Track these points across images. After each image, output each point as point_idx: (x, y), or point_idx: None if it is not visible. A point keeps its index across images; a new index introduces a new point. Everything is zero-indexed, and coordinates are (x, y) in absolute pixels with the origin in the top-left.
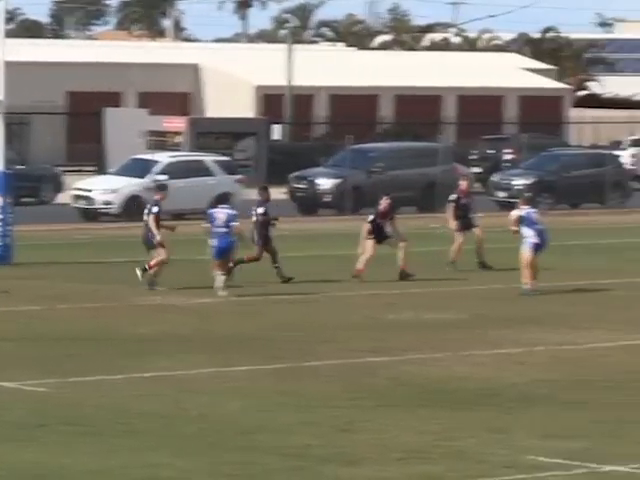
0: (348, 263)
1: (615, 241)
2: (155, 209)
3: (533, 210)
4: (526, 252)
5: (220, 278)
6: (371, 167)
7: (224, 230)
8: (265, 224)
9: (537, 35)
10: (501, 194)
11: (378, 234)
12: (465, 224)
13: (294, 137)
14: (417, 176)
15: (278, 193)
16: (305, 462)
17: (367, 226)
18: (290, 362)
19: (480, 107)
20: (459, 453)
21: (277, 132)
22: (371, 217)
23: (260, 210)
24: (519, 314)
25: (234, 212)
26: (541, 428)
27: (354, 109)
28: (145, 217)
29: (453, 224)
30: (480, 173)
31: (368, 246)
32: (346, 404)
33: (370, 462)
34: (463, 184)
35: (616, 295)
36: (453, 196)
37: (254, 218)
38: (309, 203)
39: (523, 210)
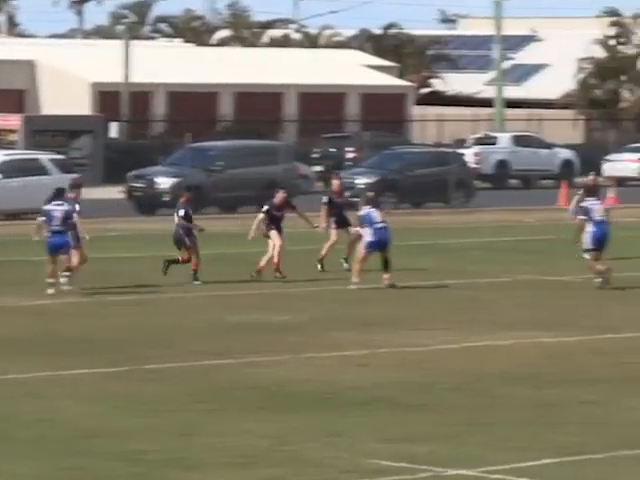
0: (186, 264)
1: (458, 241)
2: (182, 211)
3: (373, 209)
4: (360, 250)
5: (64, 276)
6: (211, 166)
7: (61, 228)
8: (188, 227)
9: (379, 31)
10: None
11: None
12: (340, 223)
13: (132, 135)
14: (257, 175)
15: (115, 192)
16: (144, 467)
17: (261, 216)
18: (131, 365)
19: (322, 105)
20: (299, 457)
21: (114, 130)
22: (266, 207)
23: (181, 212)
24: (363, 315)
25: (70, 208)
26: (383, 431)
27: (193, 107)
28: (175, 217)
29: (325, 224)
30: (322, 172)
31: (274, 237)
32: (186, 408)
33: (210, 467)
34: (335, 184)
35: (459, 295)
36: (325, 198)
37: (176, 220)
38: (147, 203)
39: (364, 210)
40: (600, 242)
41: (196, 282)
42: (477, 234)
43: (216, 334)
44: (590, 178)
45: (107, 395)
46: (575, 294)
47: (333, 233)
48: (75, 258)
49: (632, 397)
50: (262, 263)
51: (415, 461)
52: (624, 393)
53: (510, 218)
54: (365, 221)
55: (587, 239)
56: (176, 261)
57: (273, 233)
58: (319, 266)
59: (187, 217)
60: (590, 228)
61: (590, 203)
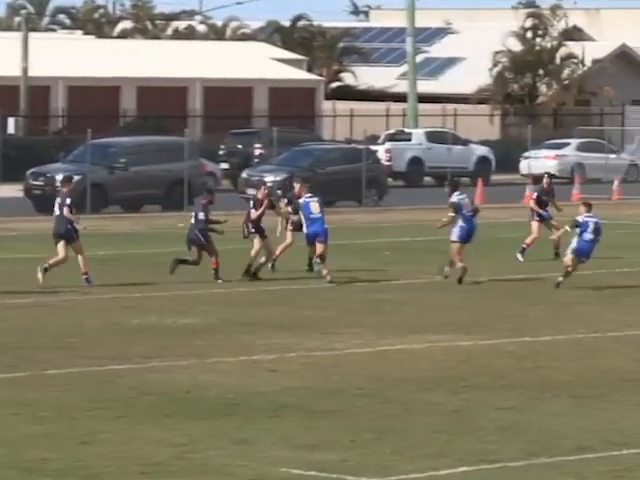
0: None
1: (371, 241)
2: (201, 215)
3: (312, 199)
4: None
5: None
6: (113, 163)
7: None
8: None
9: (287, 23)
10: (252, 191)
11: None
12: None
13: (30, 131)
14: (162, 172)
15: (13, 190)
16: (43, 477)
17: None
18: (27, 371)
19: (228, 99)
20: (204, 466)
21: (12, 126)
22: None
23: (201, 215)
24: (270, 319)
25: None
26: (292, 439)
27: (95, 101)
28: (194, 219)
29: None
30: (228, 169)
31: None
32: (85, 415)
33: (111, 476)
34: (297, 187)
35: (372, 298)
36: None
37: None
38: (47, 201)
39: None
40: (469, 236)
41: (219, 281)
42: (390, 234)
43: (119, 338)
44: (545, 181)
45: (5, 402)
46: (491, 296)
47: (289, 235)
48: None
49: (550, 402)
50: (277, 252)
51: (326, 470)
52: (542, 398)
53: (424, 217)
54: (302, 210)
55: (456, 232)
56: (185, 261)
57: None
58: (270, 265)
59: (208, 219)
60: (460, 222)
61: (459, 199)
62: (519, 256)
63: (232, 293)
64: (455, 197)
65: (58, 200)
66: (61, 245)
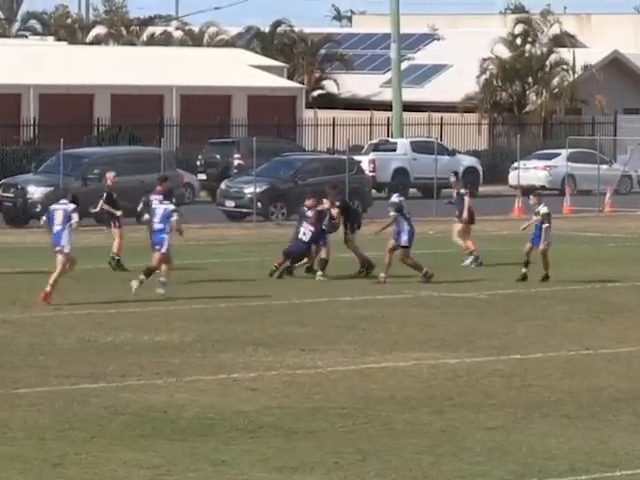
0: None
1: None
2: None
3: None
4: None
5: None
6: (86, 174)
7: None
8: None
9: (266, 29)
10: (231, 203)
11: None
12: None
13: (1, 141)
14: (137, 184)
15: None
16: None
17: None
18: None
19: (205, 108)
20: None
21: None
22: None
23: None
24: (249, 335)
25: None
26: (272, 460)
27: (67, 110)
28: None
29: None
30: (206, 180)
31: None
32: (57, 436)
33: None
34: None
35: (354, 314)
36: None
37: None
38: (18, 213)
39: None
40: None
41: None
42: (374, 247)
43: (91, 355)
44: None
45: None
46: (478, 312)
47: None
48: None
49: (540, 422)
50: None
51: None
52: (531, 418)
53: None
54: None
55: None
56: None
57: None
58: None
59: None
60: (405, 226)
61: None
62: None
63: (209, 309)
64: (395, 197)
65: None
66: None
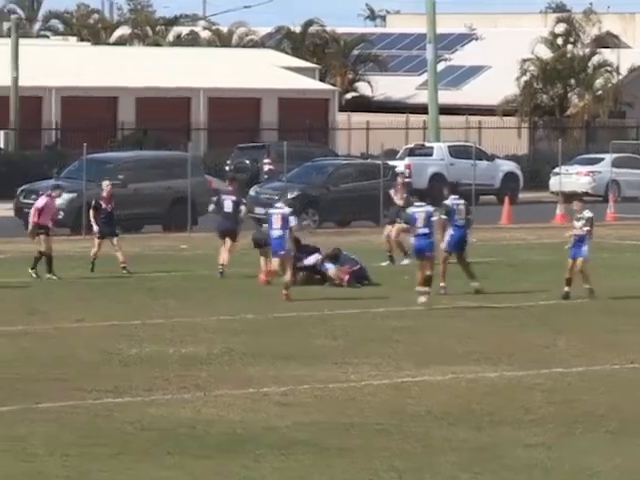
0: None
1: (389, 263)
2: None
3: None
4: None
5: None
6: (110, 180)
7: None
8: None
9: (298, 29)
10: (261, 210)
11: None
12: None
13: (21, 145)
14: (163, 190)
15: (3, 209)
16: None
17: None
18: (16, 404)
19: (234, 111)
20: None
21: (1, 140)
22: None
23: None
24: (279, 348)
25: None
26: (304, 478)
27: (90, 113)
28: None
29: None
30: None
31: None
32: (80, 452)
33: None
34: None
35: (389, 325)
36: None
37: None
38: None
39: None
40: (457, 246)
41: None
42: (409, 255)
43: (115, 369)
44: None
45: None
46: (518, 323)
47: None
48: None
49: (582, 438)
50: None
51: None
52: (573, 434)
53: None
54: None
55: (446, 240)
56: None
57: None
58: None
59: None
60: (450, 230)
61: (453, 203)
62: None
63: (238, 320)
64: (450, 200)
65: (232, 198)
66: (227, 241)
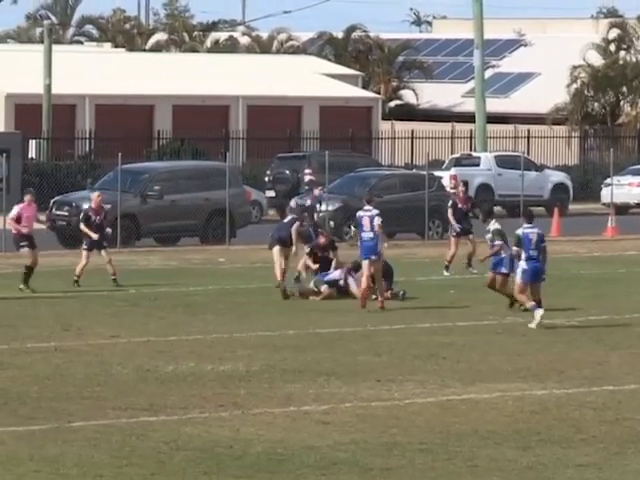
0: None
1: (435, 278)
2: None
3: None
4: None
5: None
6: (146, 191)
7: None
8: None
9: (340, 35)
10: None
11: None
12: None
13: (54, 155)
14: (201, 201)
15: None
16: None
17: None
18: (49, 423)
19: (274, 119)
20: None
21: (33, 149)
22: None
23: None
24: (320, 365)
25: None
26: None
27: (125, 122)
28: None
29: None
30: (274, 197)
31: None
32: (114, 472)
33: None
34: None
35: (433, 341)
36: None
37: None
38: (72, 233)
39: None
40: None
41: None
42: (456, 269)
43: (150, 386)
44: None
45: (24, 458)
46: (567, 340)
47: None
48: None
49: (633, 459)
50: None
51: None
52: (625, 454)
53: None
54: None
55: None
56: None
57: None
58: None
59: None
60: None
61: (527, 232)
62: (445, 272)
63: (278, 336)
64: (521, 229)
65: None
66: (276, 250)
